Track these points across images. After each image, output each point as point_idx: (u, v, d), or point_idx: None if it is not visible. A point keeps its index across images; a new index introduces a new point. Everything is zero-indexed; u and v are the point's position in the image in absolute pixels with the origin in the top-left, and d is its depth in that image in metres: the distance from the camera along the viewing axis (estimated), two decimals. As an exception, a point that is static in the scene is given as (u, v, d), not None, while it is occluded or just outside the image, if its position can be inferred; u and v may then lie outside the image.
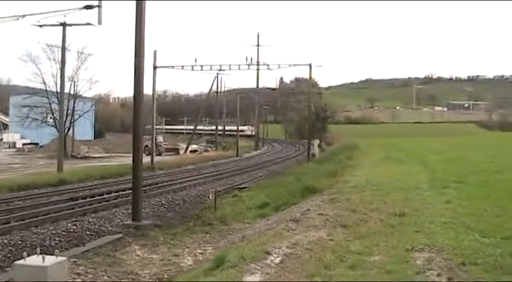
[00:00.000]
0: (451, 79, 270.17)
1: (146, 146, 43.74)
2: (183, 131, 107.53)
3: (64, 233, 16.75)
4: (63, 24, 33.68)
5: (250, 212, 20.18)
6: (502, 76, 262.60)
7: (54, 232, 16.71)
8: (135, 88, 18.52)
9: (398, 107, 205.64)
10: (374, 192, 17.16)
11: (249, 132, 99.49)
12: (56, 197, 25.15)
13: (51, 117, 54.67)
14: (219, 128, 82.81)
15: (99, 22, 25.73)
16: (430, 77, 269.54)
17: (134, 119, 18.79)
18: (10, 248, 14.71)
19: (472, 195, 15.24)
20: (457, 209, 12.94)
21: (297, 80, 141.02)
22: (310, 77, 63.99)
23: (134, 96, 19.02)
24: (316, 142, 59.20)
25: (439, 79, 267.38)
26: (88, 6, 28.37)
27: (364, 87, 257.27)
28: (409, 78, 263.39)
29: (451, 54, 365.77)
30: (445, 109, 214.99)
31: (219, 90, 75.86)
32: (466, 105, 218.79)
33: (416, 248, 9.37)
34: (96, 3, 25.71)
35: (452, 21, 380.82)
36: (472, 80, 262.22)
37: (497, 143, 51.61)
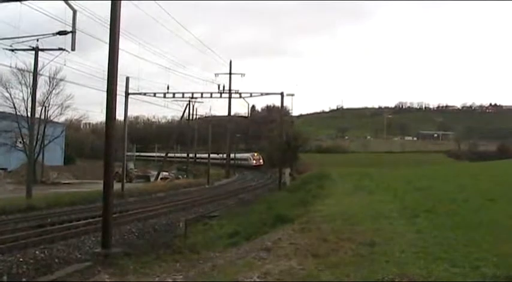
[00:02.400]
0: (420, 109, 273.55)
1: (117, 172, 43.42)
2: (154, 158, 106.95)
3: (32, 261, 16.55)
4: (36, 49, 33.58)
5: (220, 240, 20.09)
6: (470, 107, 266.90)
7: (21, 259, 16.50)
8: (108, 114, 18.43)
9: (368, 137, 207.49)
10: (345, 222, 17.21)
11: (218, 161, 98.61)
12: (24, 223, 24.85)
13: (20, 142, 54.07)
14: (191, 155, 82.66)
15: (73, 48, 25.71)
16: (400, 106, 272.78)
17: (106, 145, 18.64)
18: (-24, 275, 14.48)
19: (442, 224, 15.36)
20: (427, 239, 13.04)
21: (269, 108, 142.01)
22: (282, 106, 64.58)
23: (106, 122, 18.90)
24: (288, 171, 59.36)
25: (409, 109, 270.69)
26: (62, 32, 28.39)
27: (335, 116, 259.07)
28: (380, 107, 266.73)
29: (421, 84, 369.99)
30: (415, 139, 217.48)
31: (191, 117, 75.96)
32: (435, 135, 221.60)
33: (387, 278, 9.42)
34: (69, 29, 25.66)
35: (422, 51, 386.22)
36: (441, 110, 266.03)
37: (466, 173, 52.11)
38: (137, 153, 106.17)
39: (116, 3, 18.28)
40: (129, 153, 63.25)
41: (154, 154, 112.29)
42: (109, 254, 17.18)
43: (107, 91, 18.40)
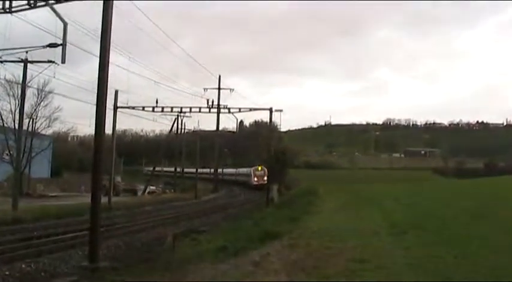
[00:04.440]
0: (408, 126, 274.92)
1: (104, 185, 43.23)
2: (147, 172, 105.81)
3: (18, 274, 16.40)
4: (25, 61, 33.52)
5: (209, 255, 19.99)
6: (458, 124, 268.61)
7: (7, 273, 16.34)
8: (97, 130, 18.34)
9: (356, 153, 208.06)
10: (333, 238, 17.25)
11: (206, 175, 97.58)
12: (10, 236, 24.62)
13: (7, 154, 53.70)
14: (178, 169, 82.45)
15: (63, 61, 25.63)
16: (388, 123, 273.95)
17: (94, 158, 18.52)
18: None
19: (430, 240, 15.43)
20: (416, 255, 13.07)
21: (257, 123, 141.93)
22: (271, 121, 64.63)
23: (95, 138, 18.79)
24: (275, 187, 59.28)
25: (397, 126, 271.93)
26: (52, 44, 28.32)
27: (323, 132, 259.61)
28: (368, 123, 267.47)
29: (409, 101, 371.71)
30: (403, 155, 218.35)
31: (179, 131, 75.87)
32: (422, 152, 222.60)
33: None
34: (60, 41, 25.61)
35: (410, 68, 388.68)
36: (428, 127, 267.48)
37: (453, 189, 52.40)
38: (125, 167, 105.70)
39: (107, 6, 18.31)
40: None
41: (147, 168, 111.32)
42: (96, 268, 17.05)
43: (96, 109, 18.25)
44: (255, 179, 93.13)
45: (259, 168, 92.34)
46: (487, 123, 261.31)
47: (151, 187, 73.97)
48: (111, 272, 16.87)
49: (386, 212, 27.66)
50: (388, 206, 32.16)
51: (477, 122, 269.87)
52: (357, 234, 17.89)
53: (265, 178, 79.74)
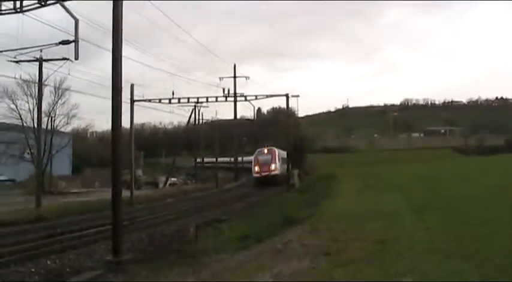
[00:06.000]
0: (426, 105, 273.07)
1: (125, 180, 43.43)
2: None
3: (43, 271, 16.55)
4: (40, 60, 33.72)
5: (231, 244, 20.04)
6: (476, 101, 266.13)
7: (33, 270, 16.52)
8: (113, 122, 18.40)
9: (375, 135, 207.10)
10: (354, 221, 17.23)
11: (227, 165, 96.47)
12: (34, 233, 24.84)
13: (28, 153, 54.24)
14: (199, 160, 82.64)
15: (76, 57, 25.69)
16: (406, 103, 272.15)
17: (113, 153, 18.57)
18: (-12, 287, 14.51)
19: (450, 221, 15.34)
20: (437, 235, 13.00)
21: (275, 110, 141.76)
22: (288, 107, 64.68)
23: (112, 130, 18.85)
24: (296, 172, 59.23)
25: (415, 106, 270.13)
26: (65, 41, 28.45)
27: (341, 116, 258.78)
28: (385, 105, 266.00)
29: (426, 80, 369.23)
30: (422, 135, 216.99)
31: (197, 122, 75.96)
32: (442, 131, 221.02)
33: (399, 274, 9.39)
34: (72, 38, 25.69)
35: (426, 46, 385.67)
36: (447, 106, 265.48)
37: (474, 168, 52.06)
38: (148, 159, 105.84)
39: (117, 3, 18.34)
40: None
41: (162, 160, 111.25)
42: (120, 261, 17.16)
43: (112, 104, 18.27)
44: (257, 168, 67.55)
45: (266, 150, 69.01)
46: (506, 99, 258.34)
47: (173, 179, 74.23)
48: (135, 264, 16.98)
49: (407, 193, 27.52)
50: (408, 187, 31.99)
51: (496, 98, 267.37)
52: (377, 217, 17.84)
53: (275, 166, 65.74)
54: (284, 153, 66.65)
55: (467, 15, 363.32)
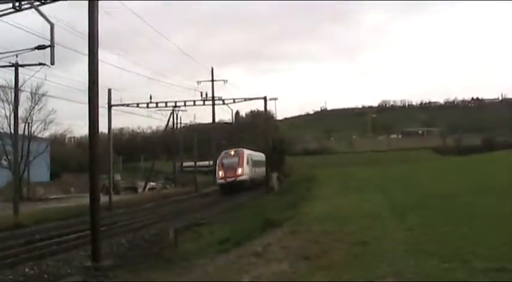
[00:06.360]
0: (404, 106, 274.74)
1: (104, 185, 43.24)
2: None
3: (22, 278, 16.42)
4: (16, 65, 33.44)
5: (211, 247, 20.03)
6: (453, 102, 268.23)
7: (11, 277, 16.38)
8: (90, 127, 18.33)
9: (354, 137, 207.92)
10: (334, 222, 17.22)
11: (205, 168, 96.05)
12: (12, 240, 24.64)
13: (5, 160, 53.78)
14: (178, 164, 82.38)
15: (52, 62, 25.57)
16: (384, 105, 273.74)
17: (90, 159, 18.53)
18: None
19: (431, 221, 15.41)
20: (418, 236, 13.05)
21: (253, 113, 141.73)
22: (266, 110, 64.70)
23: (90, 139, 18.76)
24: (275, 175, 59.19)
25: (392, 107, 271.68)
26: (41, 46, 28.26)
27: (320, 118, 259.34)
28: (363, 106, 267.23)
29: (403, 81, 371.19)
30: (400, 136, 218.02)
31: (175, 126, 75.75)
32: (420, 131, 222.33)
33: (380, 276, 9.41)
34: (48, 42, 25.56)
35: (402, 48, 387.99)
36: (424, 107, 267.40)
37: (452, 168, 52.44)
38: (127, 164, 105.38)
39: (93, 3, 18.27)
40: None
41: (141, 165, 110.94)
42: (99, 267, 17.08)
43: (89, 108, 18.24)
44: (221, 173, 59.42)
45: (233, 152, 61.72)
46: (483, 100, 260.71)
47: (152, 183, 73.97)
48: (115, 269, 16.90)
49: (387, 194, 27.61)
50: (389, 187, 32.13)
51: (472, 98, 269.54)
52: (358, 218, 17.85)
53: (242, 170, 58.86)
54: (260, 155, 64.11)
55: (443, 18, 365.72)
